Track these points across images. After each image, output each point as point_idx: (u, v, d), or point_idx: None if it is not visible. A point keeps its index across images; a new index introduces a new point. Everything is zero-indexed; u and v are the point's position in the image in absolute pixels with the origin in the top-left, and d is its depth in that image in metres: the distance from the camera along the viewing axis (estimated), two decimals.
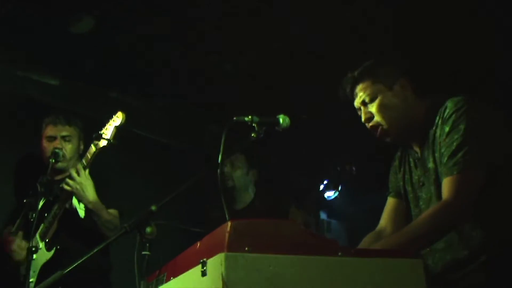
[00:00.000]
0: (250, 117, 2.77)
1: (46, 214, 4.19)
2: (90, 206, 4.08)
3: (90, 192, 4.05)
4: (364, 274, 2.02)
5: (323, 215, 7.84)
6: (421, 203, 2.91)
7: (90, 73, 5.62)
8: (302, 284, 1.92)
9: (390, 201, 3.18)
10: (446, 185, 2.61)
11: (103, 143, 3.83)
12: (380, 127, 2.92)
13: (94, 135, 3.84)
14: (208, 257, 1.93)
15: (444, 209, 2.57)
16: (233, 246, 1.87)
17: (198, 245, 2.17)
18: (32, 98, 5.60)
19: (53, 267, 3.69)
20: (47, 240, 4.13)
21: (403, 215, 3.06)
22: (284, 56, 5.42)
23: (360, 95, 2.96)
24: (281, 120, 2.85)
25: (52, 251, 4.10)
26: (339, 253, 2.02)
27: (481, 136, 2.63)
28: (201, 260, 1.96)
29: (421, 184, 2.90)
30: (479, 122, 2.67)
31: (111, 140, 3.79)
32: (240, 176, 4.93)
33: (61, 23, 4.96)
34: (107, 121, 3.84)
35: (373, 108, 2.92)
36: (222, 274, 1.81)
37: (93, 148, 3.91)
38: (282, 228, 1.99)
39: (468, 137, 2.61)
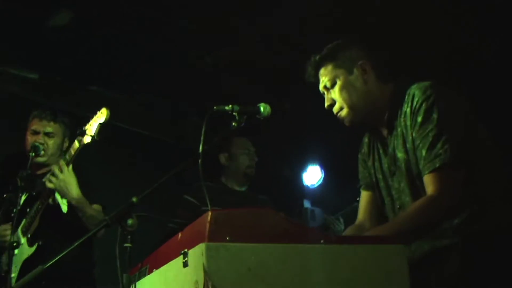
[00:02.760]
0: (230, 106, 2.74)
1: (28, 209, 4.14)
2: (74, 202, 4.04)
3: (73, 189, 4.00)
4: (347, 261, 2.02)
5: (306, 203, 7.85)
6: (393, 192, 2.89)
7: (70, 66, 5.58)
8: (285, 272, 1.91)
9: (364, 195, 3.15)
10: (430, 179, 2.58)
11: (87, 139, 3.78)
12: (340, 111, 2.91)
13: (78, 131, 3.79)
14: (189, 247, 1.92)
15: (431, 205, 2.56)
16: (214, 236, 1.86)
17: (180, 236, 2.16)
18: (11, 93, 5.56)
19: (35, 263, 3.64)
20: (29, 236, 4.09)
21: (379, 207, 3.05)
22: (264, 47, 5.42)
23: (323, 80, 2.95)
24: (262, 109, 2.83)
25: (34, 247, 4.05)
26: (321, 241, 2.02)
27: (455, 124, 2.62)
28: (182, 251, 1.94)
29: (392, 173, 2.87)
30: (451, 109, 2.65)
31: (95, 137, 3.74)
32: None
33: (39, 16, 4.92)
34: (91, 117, 3.79)
35: (334, 92, 2.91)
36: (203, 264, 1.80)
37: (76, 144, 3.86)
38: (263, 217, 1.99)
39: (443, 127, 2.59)
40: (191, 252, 1.91)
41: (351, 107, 2.88)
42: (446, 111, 2.63)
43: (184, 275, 1.93)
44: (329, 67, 2.93)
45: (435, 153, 2.57)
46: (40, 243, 4.07)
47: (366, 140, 3.15)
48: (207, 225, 1.87)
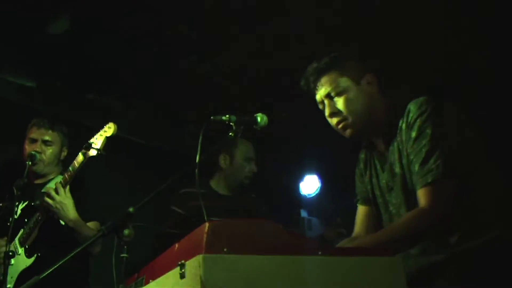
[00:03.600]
0: (227, 116, 2.74)
1: (26, 220, 4.12)
2: (70, 224, 4.01)
3: (70, 211, 3.99)
4: (345, 273, 2.01)
5: (303, 213, 7.85)
6: (391, 208, 2.86)
7: (68, 74, 5.58)
8: (282, 284, 1.90)
9: (360, 209, 3.13)
10: (422, 194, 2.56)
11: (92, 152, 3.78)
12: (345, 121, 2.85)
13: (84, 145, 3.79)
14: (187, 259, 1.91)
15: (421, 217, 2.54)
16: (211, 247, 1.84)
17: (176, 246, 2.15)
18: (9, 101, 5.55)
19: (32, 274, 3.63)
20: (27, 246, 4.07)
21: (375, 221, 3.02)
22: (262, 56, 5.42)
23: (326, 88, 2.87)
24: (259, 119, 2.83)
25: (33, 258, 4.03)
26: (319, 252, 2.01)
27: (448, 139, 2.59)
28: (179, 262, 1.93)
29: (389, 188, 2.85)
30: (445, 125, 2.63)
31: (101, 151, 3.74)
32: None
33: (37, 23, 4.92)
34: (98, 131, 3.78)
35: (339, 102, 2.84)
36: (200, 276, 1.79)
37: (81, 157, 3.85)
38: (261, 228, 1.97)
39: (436, 143, 2.57)
40: (188, 264, 1.90)
41: (356, 118, 2.83)
42: (440, 127, 2.61)
43: (181, 287, 1.92)
44: (334, 75, 2.86)
45: (428, 168, 2.55)
46: (39, 254, 4.05)
47: (362, 156, 3.12)
48: (204, 236, 1.86)
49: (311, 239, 2.08)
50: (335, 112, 2.86)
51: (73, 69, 5.52)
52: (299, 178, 7.75)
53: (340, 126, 2.87)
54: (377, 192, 2.96)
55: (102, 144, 3.73)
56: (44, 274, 2.43)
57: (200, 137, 2.62)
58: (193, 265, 1.86)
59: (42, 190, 4.20)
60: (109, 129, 3.73)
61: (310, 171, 7.65)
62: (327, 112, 2.90)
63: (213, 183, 4.66)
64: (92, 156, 3.79)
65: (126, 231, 2.39)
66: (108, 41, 5.21)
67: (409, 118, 2.68)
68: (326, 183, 7.57)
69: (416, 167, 2.60)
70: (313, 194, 7.66)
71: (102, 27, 5.07)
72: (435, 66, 5.29)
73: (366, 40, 4.93)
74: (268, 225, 1.99)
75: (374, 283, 2.04)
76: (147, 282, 2.35)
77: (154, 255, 2.39)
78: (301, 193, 7.77)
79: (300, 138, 6.69)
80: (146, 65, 5.54)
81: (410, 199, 2.68)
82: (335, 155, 6.40)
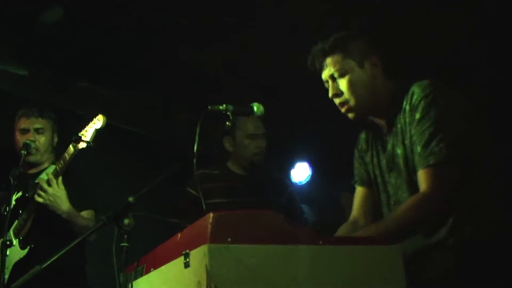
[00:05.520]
0: (224, 105, 2.77)
1: (20, 211, 4.13)
2: (64, 216, 4.04)
3: (63, 203, 4.01)
4: (345, 262, 2.05)
5: None
6: (389, 188, 2.90)
7: (60, 63, 5.56)
8: (285, 273, 1.94)
9: (358, 190, 3.16)
10: (423, 176, 2.60)
11: (82, 145, 3.80)
12: (347, 104, 2.89)
13: (73, 137, 3.80)
14: (191, 248, 1.94)
15: (423, 202, 2.58)
16: (216, 237, 1.88)
17: (179, 236, 2.17)
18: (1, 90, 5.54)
19: (26, 266, 3.65)
20: (21, 238, 4.08)
21: (373, 203, 3.06)
22: (252, 44, 5.41)
23: (329, 68, 2.90)
24: (255, 108, 2.87)
25: (26, 250, 4.05)
26: (320, 242, 2.04)
27: (452, 123, 2.63)
28: (184, 252, 1.96)
29: (389, 169, 2.89)
30: (449, 108, 2.67)
31: (91, 143, 3.76)
32: None
33: (29, 11, 4.90)
34: (87, 123, 3.80)
35: (342, 84, 2.87)
36: (206, 265, 1.82)
37: (71, 149, 3.87)
38: (264, 218, 2.01)
39: (440, 125, 2.61)
40: (193, 253, 1.93)
41: (358, 101, 2.86)
42: (444, 109, 2.65)
43: (186, 276, 1.95)
44: (338, 57, 2.88)
45: (430, 150, 2.59)
46: (32, 246, 4.07)
47: (363, 136, 3.15)
48: (209, 226, 1.89)
49: (312, 229, 2.11)
50: (337, 94, 2.90)
51: (66, 57, 5.50)
52: (290, 165, 7.76)
53: (343, 109, 2.92)
54: (377, 172, 3.00)
55: (91, 136, 3.75)
56: (46, 264, 2.45)
57: (198, 127, 2.65)
58: (198, 254, 1.89)
59: (36, 181, 4.21)
60: (98, 122, 3.75)
61: (301, 158, 7.67)
62: (330, 93, 2.93)
63: (229, 165, 4.66)
64: (82, 148, 3.81)
65: (126, 221, 2.41)
66: (101, 29, 5.20)
67: (413, 100, 2.72)
68: (317, 171, 7.60)
69: (419, 149, 2.64)
70: (304, 182, 7.67)
71: (95, 15, 5.05)
72: (442, 53, 5.24)
73: (371, 24, 4.88)
74: (270, 216, 2.03)
75: (373, 271, 2.09)
76: (148, 271, 2.38)
77: None
78: (292, 181, 7.78)
79: (291, 125, 6.70)
80: (139, 53, 5.53)
81: (411, 179, 2.72)
82: (327, 142, 6.43)
